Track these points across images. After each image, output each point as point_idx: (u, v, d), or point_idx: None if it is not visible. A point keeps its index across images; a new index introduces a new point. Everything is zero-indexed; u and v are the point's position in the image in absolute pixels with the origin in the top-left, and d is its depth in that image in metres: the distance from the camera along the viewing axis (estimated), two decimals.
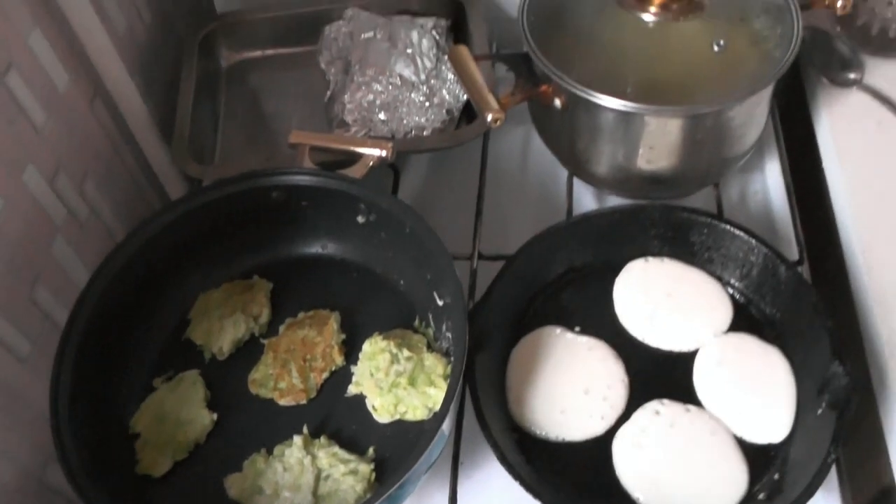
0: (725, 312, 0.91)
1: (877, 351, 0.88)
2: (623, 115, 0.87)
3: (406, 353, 0.86)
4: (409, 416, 0.86)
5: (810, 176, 1.06)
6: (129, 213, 1.06)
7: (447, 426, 0.77)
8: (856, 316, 0.91)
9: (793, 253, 0.95)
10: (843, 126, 1.03)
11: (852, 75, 1.05)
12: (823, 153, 1.03)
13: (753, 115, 0.91)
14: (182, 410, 0.88)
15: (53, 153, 0.94)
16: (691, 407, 0.85)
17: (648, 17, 0.90)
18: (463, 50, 0.91)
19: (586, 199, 1.05)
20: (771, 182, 1.05)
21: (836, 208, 0.99)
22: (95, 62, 1.00)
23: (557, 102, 0.89)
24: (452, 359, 0.84)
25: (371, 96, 1.03)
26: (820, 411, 0.81)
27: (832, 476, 0.84)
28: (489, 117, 0.85)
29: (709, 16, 0.91)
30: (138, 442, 0.87)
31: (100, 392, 0.86)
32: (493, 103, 0.86)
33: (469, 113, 1.06)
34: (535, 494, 0.76)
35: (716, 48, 0.88)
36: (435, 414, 0.81)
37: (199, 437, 0.87)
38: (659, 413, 0.85)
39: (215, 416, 0.88)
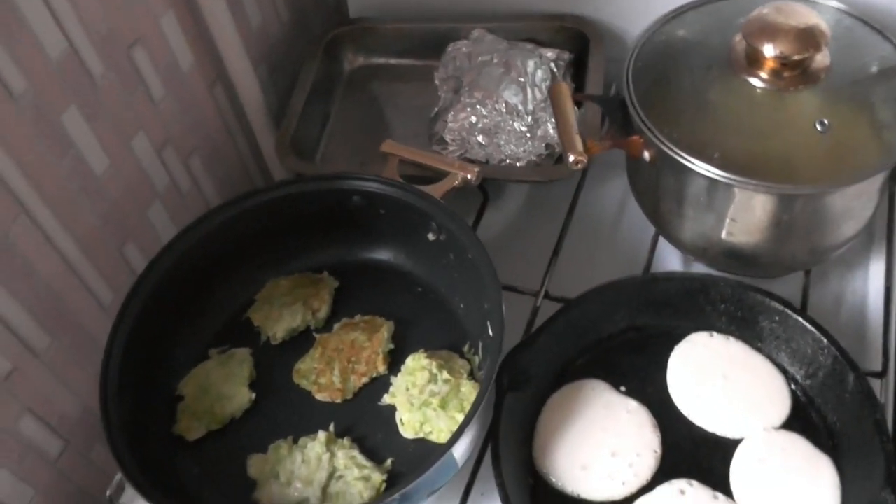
0: (782, 407, 0.85)
1: None
2: (708, 182, 0.83)
3: (445, 375, 0.86)
4: (433, 438, 0.85)
5: None
6: (233, 193, 1.11)
7: (459, 453, 0.77)
8: None
9: (876, 363, 0.88)
10: None
11: None
12: None
13: (852, 207, 0.86)
14: (225, 384, 0.91)
15: (166, 126, 1.00)
16: (720, 496, 0.80)
17: (758, 82, 0.86)
18: (563, 87, 0.90)
19: (671, 263, 1.01)
20: (872, 282, 0.98)
21: None
22: (221, 50, 1.05)
23: (647, 155, 0.87)
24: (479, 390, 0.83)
25: (474, 118, 1.04)
26: None
27: None
28: (571, 158, 0.84)
29: (823, 92, 0.86)
30: (181, 404, 0.91)
31: (156, 351, 0.91)
32: (579, 145, 0.85)
33: None
34: None
35: (819, 127, 0.83)
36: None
37: (235, 412, 0.90)
38: (684, 493, 0.81)
39: (254, 395, 0.91)
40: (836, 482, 0.80)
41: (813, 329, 0.84)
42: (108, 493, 0.89)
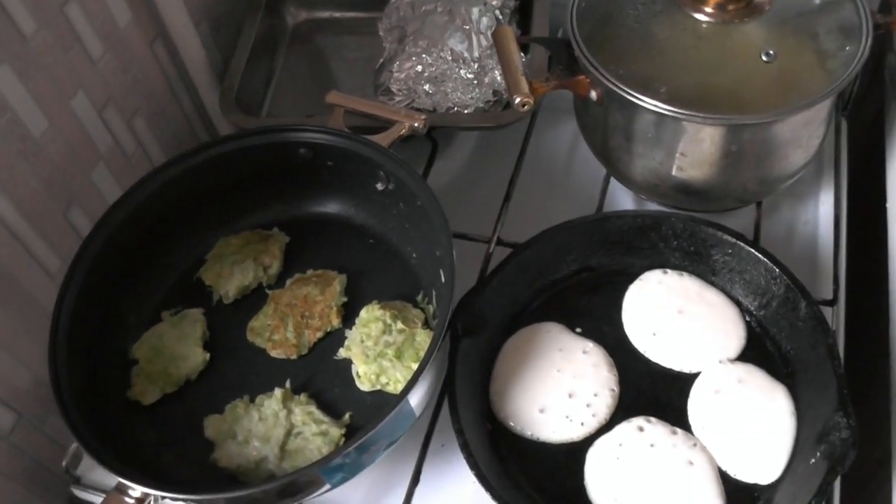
0: (737, 339, 0.86)
1: None
2: (656, 117, 0.83)
3: (399, 325, 0.86)
4: (390, 389, 0.85)
5: (873, 216, 0.99)
6: (180, 152, 1.09)
7: (415, 402, 0.76)
8: (887, 371, 0.85)
9: (828, 292, 0.89)
10: None
11: None
12: (889, 192, 0.96)
13: (800, 136, 0.85)
14: (178, 345, 0.90)
15: (106, 85, 0.97)
16: (679, 430, 0.81)
17: (702, 16, 0.86)
18: (507, 30, 0.89)
19: (624, 203, 1.01)
20: (822, 212, 0.99)
21: (889, 253, 0.92)
22: (160, 6, 1.02)
23: (593, 95, 0.86)
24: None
25: (419, 67, 1.02)
26: (814, 461, 0.75)
27: None
28: (517, 100, 0.83)
29: (768, 23, 0.85)
30: (135, 368, 0.89)
31: (107, 316, 0.90)
32: (524, 87, 0.83)
33: None
34: (489, 488, 0.74)
35: (764, 58, 0.82)
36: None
37: (190, 373, 0.89)
38: (643, 430, 0.81)
39: (208, 356, 0.90)
40: (791, 409, 0.81)
41: (765, 259, 0.84)
42: (63, 463, 0.89)
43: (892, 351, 0.85)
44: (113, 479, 0.74)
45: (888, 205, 0.95)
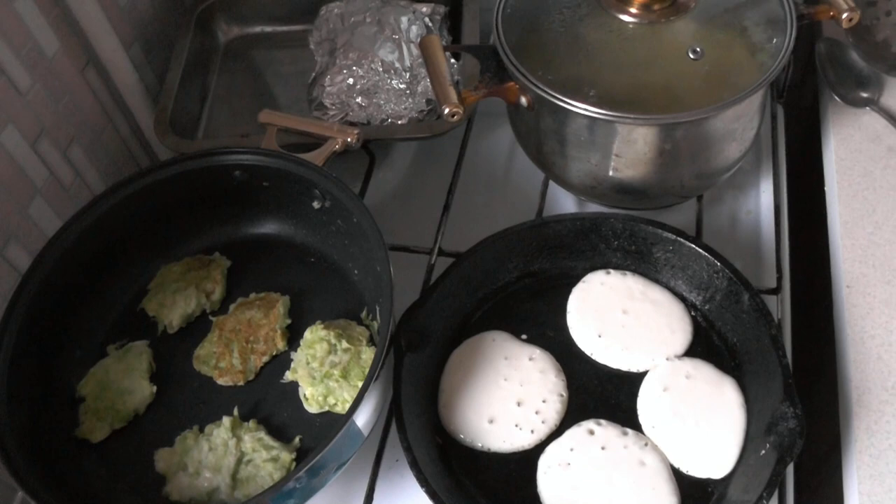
0: (684, 335, 0.86)
1: (847, 395, 0.82)
2: (588, 121, 0.83)
3: (345, 344, 0.85)
4: (339, 409, 0.84)
5: (814, 201, 0.99)
6: (117, 179, 1.07)
7: (362, 421, 0.76)
8: (833, 357, 0.85)
9: (771, 280, 0.89)
10: (850, 148, 0.96)
11: (866, 94, 0.98)
12: (827, 176, 0.97)
13: (733, 129, 0.85)
14: (125, 379, 0.88)
15: (37, 116, 0.95)
16: (629, 431, 0.81)
17: (628, 18, 0.86)
18: (434, 39, 0.88)
19: (565, 206, 1.01)
20: (763, 201, 0.99)
21: (829, 237, 0.92)
22: (88, 32, 1.01)
23: (524, 101, 0.86)
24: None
25: (351, 80, 1.02)
26: (763, 452, 0.75)
27: None
28: (446, 110, 0.82)
29: (695, 20, 0.86)
30: (82, 405, 0.88)
31: (51, 353, 0.88)
32: (453, 97, 0.83)
33: None
34: (439, 503, 0.73)
35: (692, 55, 0.82)
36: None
37: (138, 407, 0.88)
38: (593, 433, 0.81)
39: (155, 388, 0.89)
40: (740, 401, 0.81)
41: (706, 254, 0.84)
42: None
43: (837, 336, 0.86)
44: None
45: (826, 188, 0.96)
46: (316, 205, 0.91)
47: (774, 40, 0.84)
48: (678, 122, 0.82)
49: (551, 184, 0.97)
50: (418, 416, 0.81)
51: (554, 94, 0.82)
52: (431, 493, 0.74)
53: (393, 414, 0.80)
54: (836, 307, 0.87)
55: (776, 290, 0.88)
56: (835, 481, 0.81)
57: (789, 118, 1.04)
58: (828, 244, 0.92)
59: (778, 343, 0.78)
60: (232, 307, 0.93)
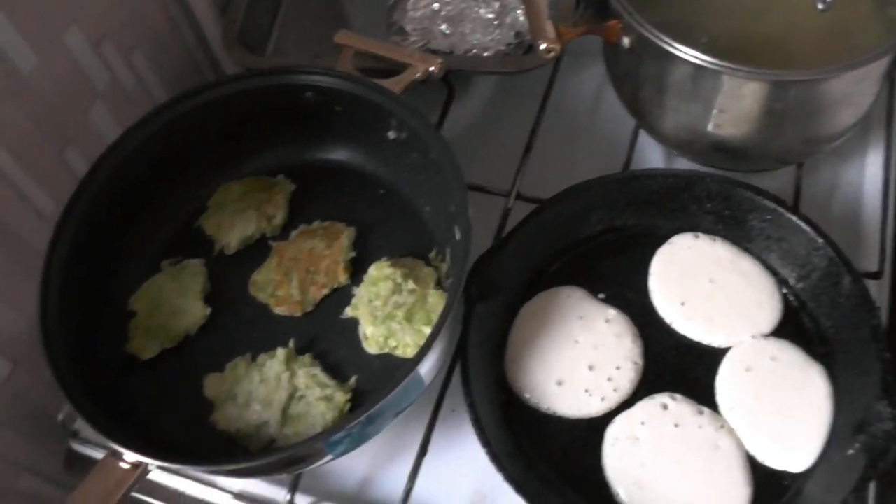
0: (772, 313, 0.80)
1: None
2: (694, 69, 0.76)
3: (411, 285, 0.81)
4: (399, 353, 0.80)
5: None
6: (182, 90, 1.02)
7: (425, 370, 0.72)
8: None
9: (872, 263, 0.83)
10: None
11: None
12: None
13: (851, 94, 0.78)
14: (178, 299, 0.86)
15: (101, 18, 0.91)
16: (705, 409, 0.76)
17: None
18: None
19: (653, 158, 0.95)
20: (869, 174, 0.92)
21: None
22: None
23: (626, 41, 0.80)
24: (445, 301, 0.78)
25: (436, 5, 0.97)
26: (851, 451, 0.70)
27: None
28: (542, 46, 0.77)
29: None
30: (133, 321, 0.85)
31: (104, 263, 0.85)
32: (550, 32, 0.77)
33: None
34: (502, 468, 0.70)
35: (820, 6, 0.75)
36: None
37: (190, 328, 0.85)
38: (667, 408, 0.76)
39: (209, 310, 0.86)
40: (828, 392, 0.76)
41: (807, 228, 0.79)
42: (60, 417, 0.86)
43: None
44: None
45: None
46: (391, 135, 0.86)
47: None
48: (794, 80, 0.75)
49: (641, 134, 0.91)
50: (483, 370, 0.77)
51: (661, 36, 0.76)
52: (493, 455, 0.70)
53: (457, 365, 0.76)
54: None
55: (878, 275, 0.82)
56: None
57: None
58: None
59: (879, 334, 0.73)
60: (293, 234, 0.89)
